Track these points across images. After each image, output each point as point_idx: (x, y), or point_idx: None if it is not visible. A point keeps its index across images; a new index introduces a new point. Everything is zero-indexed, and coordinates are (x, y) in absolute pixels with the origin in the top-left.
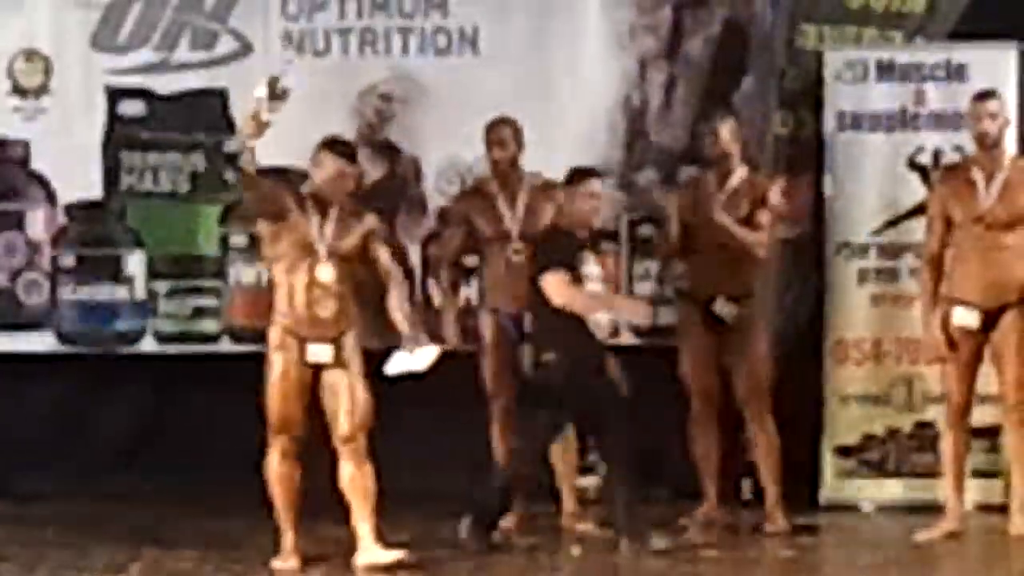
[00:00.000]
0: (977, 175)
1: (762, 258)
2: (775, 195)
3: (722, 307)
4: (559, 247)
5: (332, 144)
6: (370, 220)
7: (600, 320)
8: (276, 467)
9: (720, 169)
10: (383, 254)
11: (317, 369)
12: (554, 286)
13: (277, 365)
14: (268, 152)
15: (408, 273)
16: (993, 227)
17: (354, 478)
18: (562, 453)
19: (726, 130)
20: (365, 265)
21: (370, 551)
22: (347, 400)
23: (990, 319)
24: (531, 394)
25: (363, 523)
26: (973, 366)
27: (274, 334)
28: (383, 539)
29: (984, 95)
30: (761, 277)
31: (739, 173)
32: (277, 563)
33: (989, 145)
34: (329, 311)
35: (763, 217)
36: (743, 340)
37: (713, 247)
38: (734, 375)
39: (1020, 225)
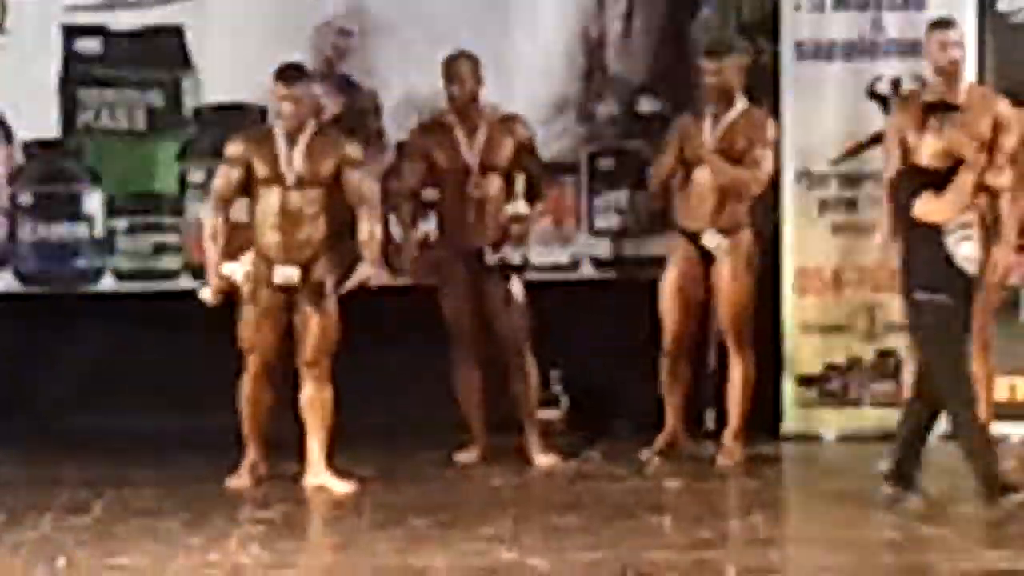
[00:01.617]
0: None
1: (753, 195)
2: (771, 131)
3: (710, 239)
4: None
5: (277, 71)
6: (348, 149)
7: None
8: (246, 388)
9: (720, 102)
10: (356, 180)
11: (286, 291)
12: (932, 206)
13: (248, 286)
14: (226, 88)
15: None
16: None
17: (312, 401)
18: (523, 385)
19: (728, 64)
20: (341, 192)
21: (320, 474)
22: (314, 324)
23: None
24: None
25: (316, 445)
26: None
27: (246, 258)
28: (337, 467)
29: (941, 23)
30: (750, 210)
31: (738, 106)
32: (232, 480)
33: (947, 74)
34: (298, 235)
35: (760, 154)
36: (730, 272)
37: (705, 180)
38: (718, 306)
39: (979, 151)
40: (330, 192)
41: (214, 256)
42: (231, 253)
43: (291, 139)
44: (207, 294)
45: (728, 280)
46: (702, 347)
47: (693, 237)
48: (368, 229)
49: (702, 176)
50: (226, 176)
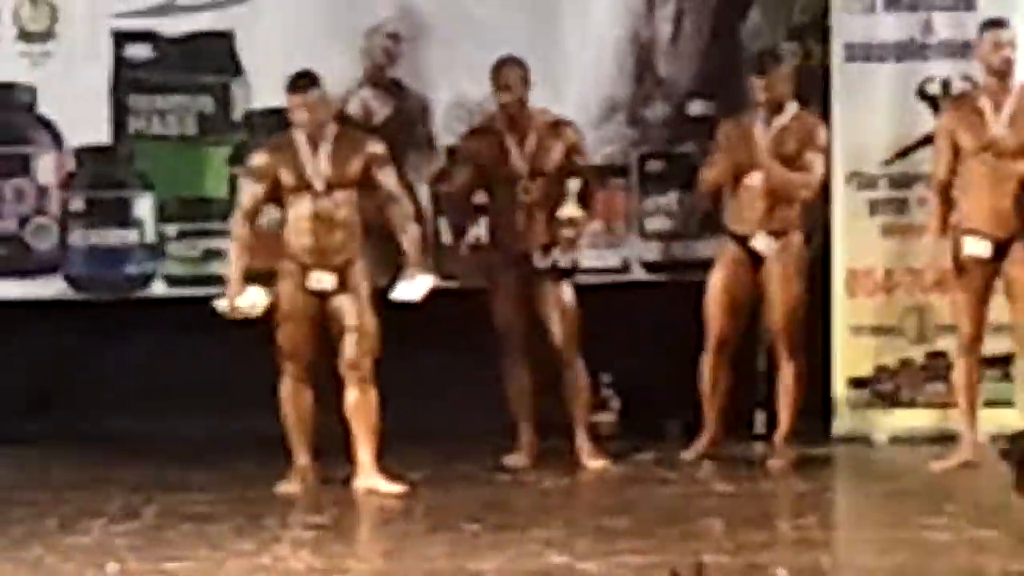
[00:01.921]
0: (985, 104)
1: (806, 199)
2: (823, 135)
3: (761, 242)
4: None
5: (287, 83)
6: (372, 147)
7: None
8: (286, 393)
9: (770, 107)
10: (386, 179)
11: (323, 297)
12: None
13: (283, 293)
14: (276, 93)
15: (418, 212)
16: (1003, 155)
17: (358, 404)
18: (574, 388)
19: (778, 78)
20: (373, 192)
21: (370, 477)
22: (353, 326)
23: (1001, 248)
24: None
25: (364, 449)
26: (984, 296)
27: (282, 263)
28: (386, 470)
29: (993, 23)
30: (803, 213)
31: (789, 110)
32: (283, 486)
33: (999, 74)
34: (331, 240)
35: (812, 158)
36: (781, 275)
37: (756, 183)
38: (768, 308)
39: None
40: (360, 193)
41: (236, 275)
42: (267, 259)
43: (314, 144)
44: (223, 306)
45: (779, 283)
46: (746, 350)
47: (742, 240)
48: (406, 232)
49: (753, 180)
50: (252, 190)
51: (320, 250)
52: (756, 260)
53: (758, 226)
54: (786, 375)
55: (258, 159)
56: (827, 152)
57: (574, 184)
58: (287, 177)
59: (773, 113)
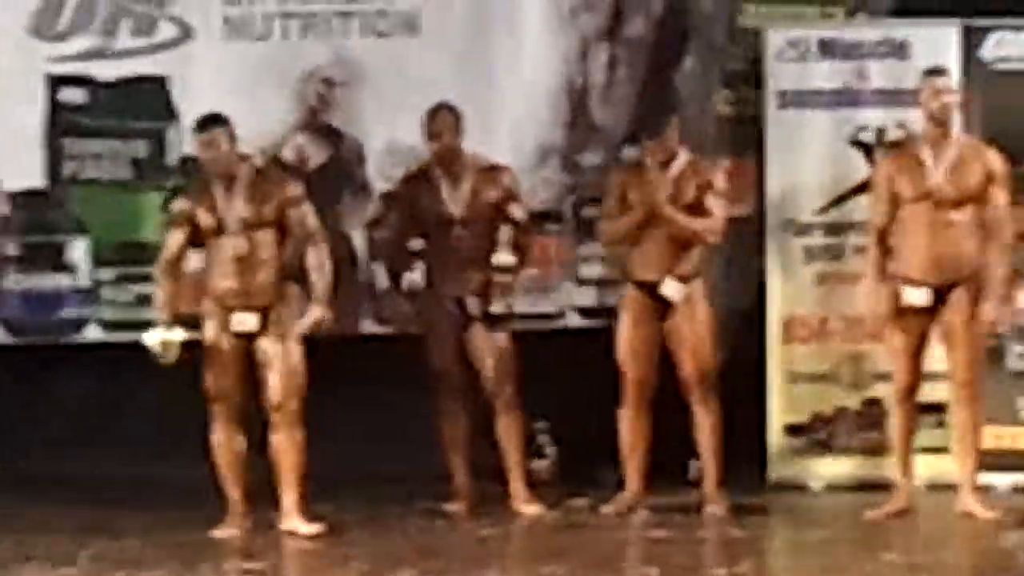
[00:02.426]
0: (926, 152)
1: (711, 244)
2: (721, 180)
3: (670, 288)
4: None
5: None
6: (289, 189)
7: None
8: (216, 437)
9: (664, 153)
10: (301, 218)
11: (249, 339)
12: None
13: (208, 335)
14: None
15: (353, 258)
16: (942, 204)
17: (281, 446)
18: (510, 434)
19: (673, 133)
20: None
21: (291, 519)
22: (278, 368)
23: (939, 297)
24: None
25: (286, 490)
26: (921, 345)
27: (206, 306)
28: (317, 513)
29: (935, 71)
30: (706, 257)
31: (682, 158)
32: (219, 530)
33: (938, 122)
34: (253, 281)
35: (713, 203)
36: (689, 321)
37: (661, 232)
38: (679, 357)
39: (969, 202)
40: (281, 234)
41: (164, 318)
42: (192, 304)
43: (229, 186)
44: (151, 341)
45: (689, 329)
46: (671, 397)
47: (647, 286)
48: (316, 266)
49: (657, 227)
50: (173, 236)
51: (242, 291)
52: (661, 307)
53: (666, 272)
54: (704, 423)
55: (177, 204)
56: (760, 196)
57: (506, 231)
58: (205, 219)
59: (666, 161)
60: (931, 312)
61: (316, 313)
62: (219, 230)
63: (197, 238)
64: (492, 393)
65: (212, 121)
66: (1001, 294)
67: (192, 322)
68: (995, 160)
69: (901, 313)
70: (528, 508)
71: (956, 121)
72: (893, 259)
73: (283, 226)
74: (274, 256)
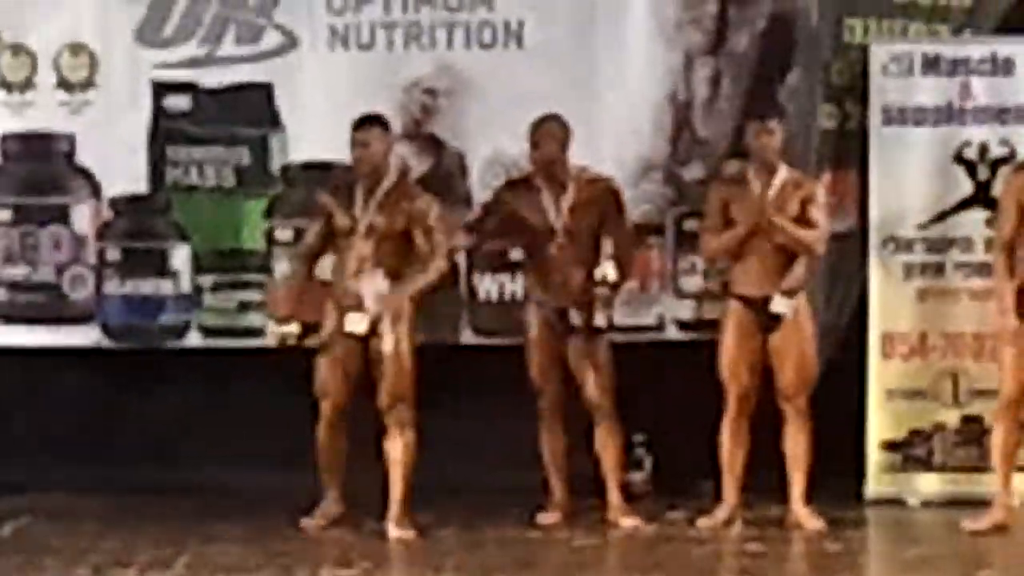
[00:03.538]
0: None
1: (818, 255)
2: (822, 193)
3: (780, 304)
4: None
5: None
6: (421, 203)
7: None
8: (320, 434)
9: (765, 168)
10: (424, 237)
11: (364, 341)
12: None
13: (324, 332)
14: (314, 147)
15: (454, 267)
16: None
17: (394, 448)
18: (607, 446)
19: (777, 127)
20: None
21: (392, 519)
22: (388, 369)
23: None
24: None
25: (393, 491)
26: None
27: (327, 306)
28: (415, 522)
29: None
30: (811, 272)
31: (783, 172)
32: (306, 520)
33: None
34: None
35: (816, 214)
36: (794, 335)
37: (765, 246)
38: (781, 370)
39: None
40: (406, 244)
41: (282, 310)
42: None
43: (369, 190)
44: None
45: (794, 345)
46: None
47: (750, 302)
48: (422, 270)
49: (762, 240)
50: (311, 228)
51: (360, 293)
52: (765, 321)
53: (772, 288)
54: (798, 437)
55: (320, 197)
56: (861, 211)
57: (609, 244)
58: (339, 218)
59: (768, 173)
60: None
61: (385, 291)
62: (348, 231)
63: (331, 235)
64: (591, 405)
65: (369, 120)
66: None
67: (316, 330)
68: None
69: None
70: (625, 520)
71: None
72: (1019, 267)
73: (411, 237)
74: (399, 264)
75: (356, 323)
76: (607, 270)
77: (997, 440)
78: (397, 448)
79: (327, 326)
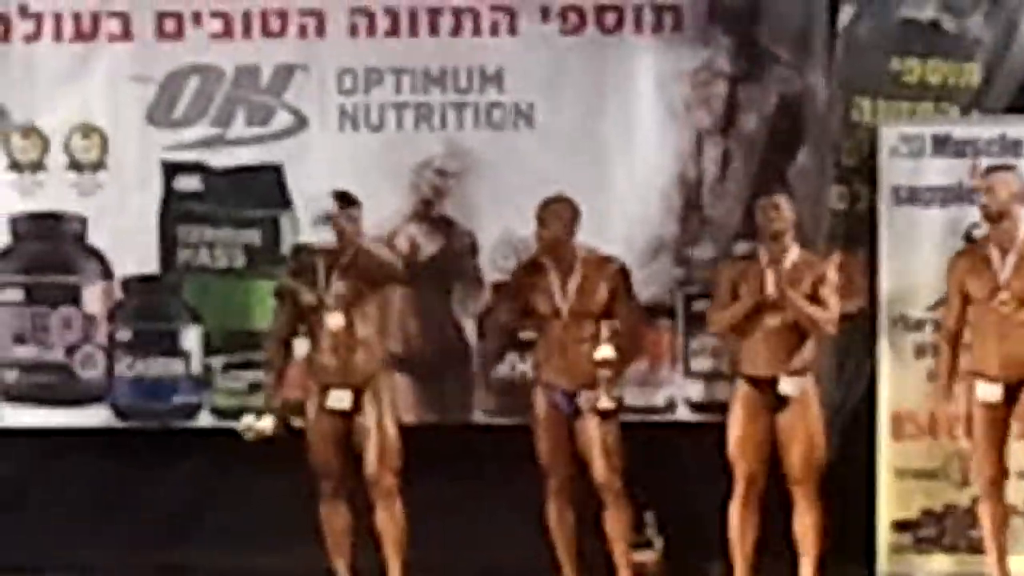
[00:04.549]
0: (993, 251)
1: (829, 335)
2: (834, 273)
3: (788, 385)
4: None
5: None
6: (387, 260)
7: None
8: (322, 508)
9: (777, 246)
10: (380, 262)
11: (347, 416)
12: None
13: (309, 412)
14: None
15: (465, 347)
16: (1010, 303)
17: (382, 520)
18: (616, 525)
19: (785, 204)
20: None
21: None
22: (373, 441)
23: (1011, 393)
24: None
25: (391, 562)
26: (1000, 438)
27: (307, 386)
28: None
29: (993, 168)
30: (817, 352)
31: (793, 251)
32: None
33: (1002, 219)
34: (352, 359)
35: (828, 294)
36: (802, 416)
37: (773, 325)
38: (788, 451)
39: None
40: (381, 313)
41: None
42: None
43: (331, 265)
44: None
45: (804, 425)
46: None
47: (759, 382)
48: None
49: (772, 319)
50: (276, 313)
51: (341, 369)
52: (773, 401)
53: (781, 368)
54: (807, 519)
55: (280, 284)
56: (871, 293)
57: (607, 326)
58: (306, 296)
59: (780, 251)
60: (1007, 407)
61: None
62: (318, 307)
63: (301, 317)
64: (601, 486)
65: (338, 199)
66: None
67: (301, 408)
68: None
69: (976, 409)
70: None
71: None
72: (966, 355)
73: (382, 304)
74: (372, 335)
75: (339, 400)
76: (604, 351)
77: (985, 520)
78: (385, 521)
79: (310, 405)
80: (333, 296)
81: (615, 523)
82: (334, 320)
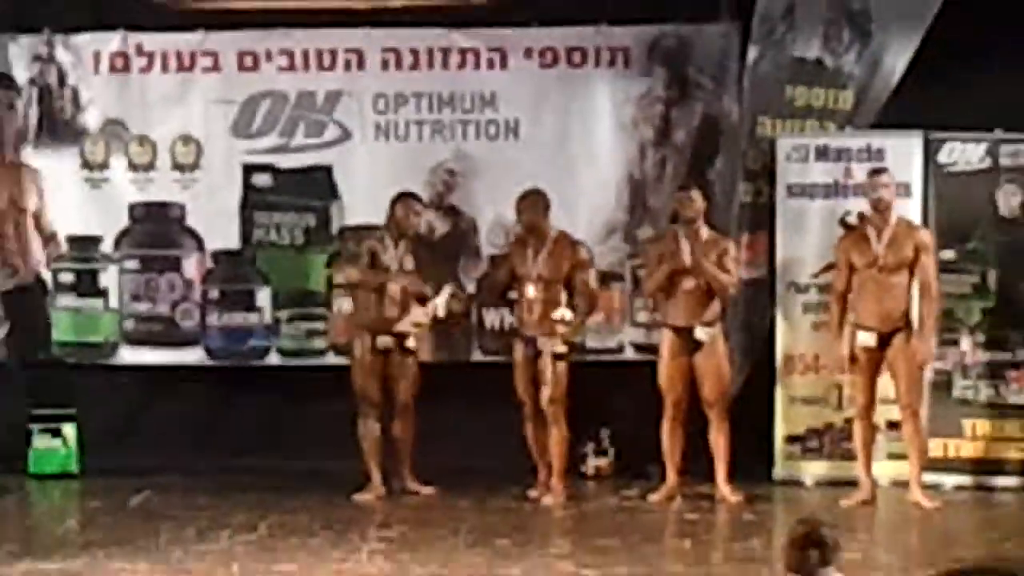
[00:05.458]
0: (871, 231)
1: (732, 295)
2: (733, 248)
3: (701, 332)
4: None
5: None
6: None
7: None
8: (360, 427)
9: (690, 227)
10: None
11: (386, 354)
12: None
13: (356, 351)
14: (364, 213)
15: (468, 303)
16: (884, 270)
17: (402, 430)
18: (554, 441)
19: (697, 195)
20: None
21: (413, 483)
22: (402, 375)
23: (884, 340)
24: None
25: (404, 460)
26: (873, 374)
27: (358, 332)
28: (418, 478)
29: (878, 170)
30: (724, 308)
31: (703, 231)
32: (358, 496)
33: (882, 208)
34: (393, 313)
35: (730, 265)
36: (711, 356)
37: (690, 287)
38: (702, 383)
39: (903, 268)
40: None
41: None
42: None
43: (395, 241)
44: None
45: (711, 364)
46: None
47: (680, 331)
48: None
49: (689, 283)
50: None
51: (383, 321)
52: (691, 345)
53: (696, 320)
54: (719, 433)
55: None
56: (770, 263)
57: (563, 293)
58: (371, 271)
59: (695, 232)
60: (879, 351)
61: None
62: (378, 275)
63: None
64: (545, 410)
65: (407, 195)
66: (928, 338)
67: (347, 351)
68: (924, 236)
69: (856, 352)
70: (549, 500)
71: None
72: (850, 311)
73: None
74: (412, 299)
75: (385, 343)
76: (560, 312)
77: (857, 437)
78: (407, 430)
79: (358, 346)
80: (395, 265)
81: (555, 440)
82: (389, 287)
